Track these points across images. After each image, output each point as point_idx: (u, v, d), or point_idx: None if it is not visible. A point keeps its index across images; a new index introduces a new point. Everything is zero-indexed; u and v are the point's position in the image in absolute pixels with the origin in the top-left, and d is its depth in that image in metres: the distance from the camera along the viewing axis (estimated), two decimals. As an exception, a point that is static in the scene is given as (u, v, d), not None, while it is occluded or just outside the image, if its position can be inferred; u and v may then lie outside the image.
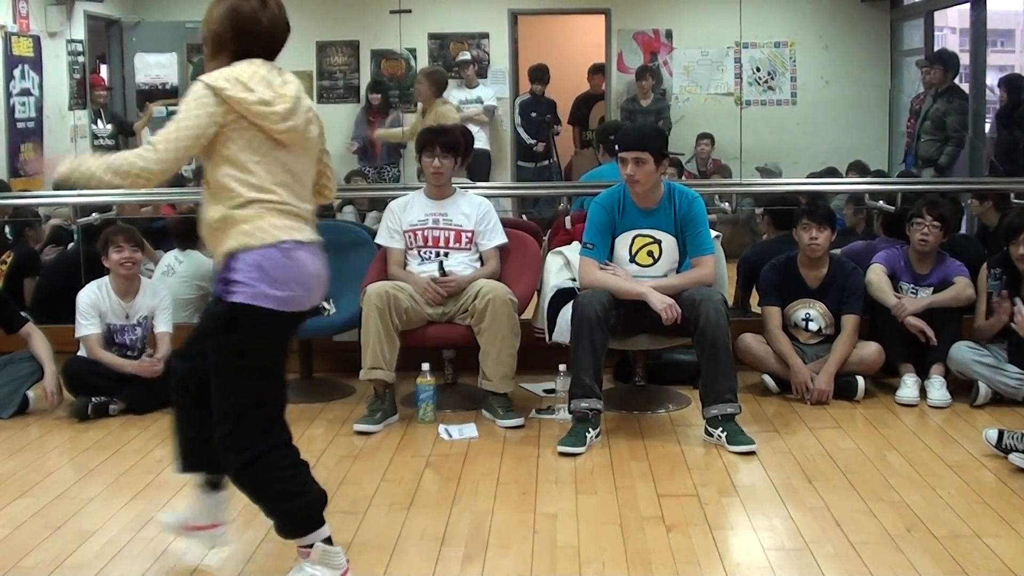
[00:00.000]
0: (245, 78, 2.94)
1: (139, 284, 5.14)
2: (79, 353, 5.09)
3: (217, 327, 2.98)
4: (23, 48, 9.43)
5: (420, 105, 8.28)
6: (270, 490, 3.00)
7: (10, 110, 9.16)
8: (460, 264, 5.00)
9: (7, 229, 7.14)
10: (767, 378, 5.15)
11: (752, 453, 4.28)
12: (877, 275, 5.22)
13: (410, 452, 4.41)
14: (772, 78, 11.03)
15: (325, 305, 5.33)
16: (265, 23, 3.03)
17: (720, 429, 4.38)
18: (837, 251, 5.42)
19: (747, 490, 3.95)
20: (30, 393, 5.05)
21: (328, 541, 3.03)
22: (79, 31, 10.31)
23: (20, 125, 9.33)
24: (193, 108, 2.90)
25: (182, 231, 5.92)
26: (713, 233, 4.82)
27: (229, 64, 2.99)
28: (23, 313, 5.27)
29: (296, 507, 3.01)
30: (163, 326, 5.16)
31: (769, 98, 11.00)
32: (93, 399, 4.91)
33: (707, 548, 3.40)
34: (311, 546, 3.02)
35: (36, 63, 9.62)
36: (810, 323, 5.16)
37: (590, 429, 4.42)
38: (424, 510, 3.76)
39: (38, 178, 2.63)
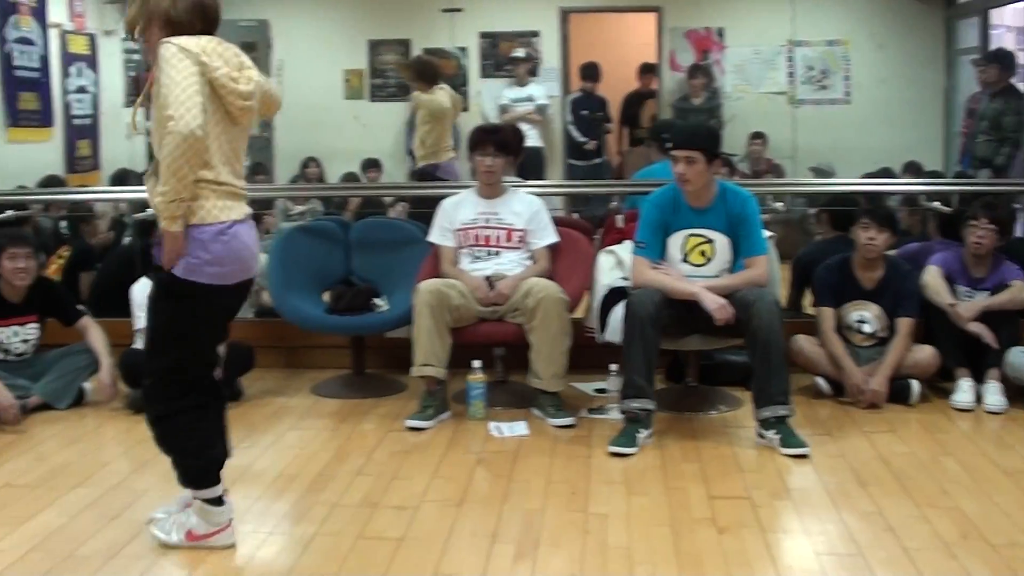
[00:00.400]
0: (209, 49, 3.05)
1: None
2: (134, 346, 5.16)
3: (155, 293, 3.22)
4: (79, 46, 9.57)
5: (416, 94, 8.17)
6: (173, 444, 3.30)
7: (67, 107, 9.31)
8: (511, 263, 5.01)
9: (63, 224, 7.25)
10: (820, 380, 5.10)
11: (805, 456, 4.24)
12: (933, 277, 5.15)
13: (461, 449, 4.43)
14: (825, 77, 10.93)
15: (378, 302, 5.36)
16: (215, 6, 3.18)
17: (773, 431, 4.35)
18: (893, 252, 5.35)
19: (800, 493, 3.91)
20: (86, 385, 5.13)
21: (217, 501, 3.31)
22: (135, 29, 10.43)
23: (77, 122, 9.48)
24: (177, 67, 2.97)
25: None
26: (767, 233, 4.78)
27: None
28: (80, 307, 5.34)
29: (191, 464, 3.31)
30: None
31: (822, 97, 10.90)
32: (148, 392, 4.96)
33: (759, 551, 3.38)
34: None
35: (92, 61, 9.76)
36: (864, 325, 5.09)
37: (642, 429, 4.40)
38: (475, 507, 3.77)
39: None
